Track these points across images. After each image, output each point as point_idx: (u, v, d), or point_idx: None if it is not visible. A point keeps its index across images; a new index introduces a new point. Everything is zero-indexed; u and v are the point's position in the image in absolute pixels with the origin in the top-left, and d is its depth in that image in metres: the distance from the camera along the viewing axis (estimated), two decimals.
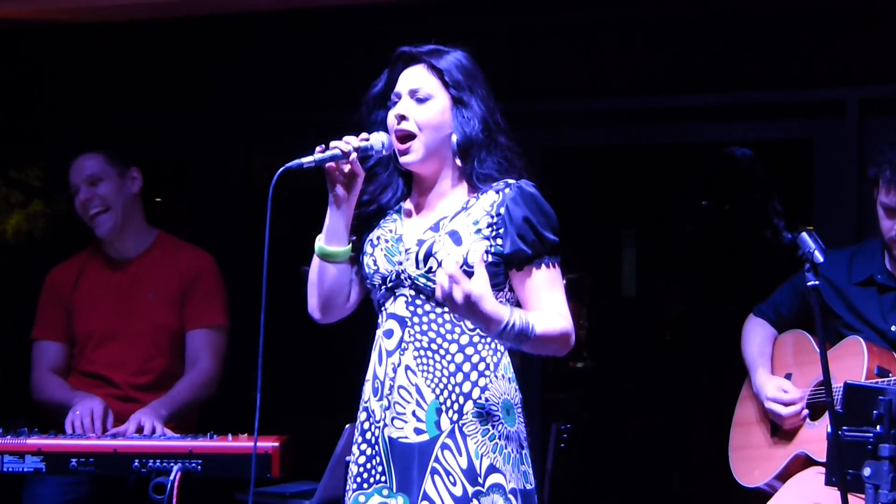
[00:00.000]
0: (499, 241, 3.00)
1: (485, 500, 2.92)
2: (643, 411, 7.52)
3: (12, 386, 4.34)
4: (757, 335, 4.10)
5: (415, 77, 3.08)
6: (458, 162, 3.06)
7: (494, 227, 3.00)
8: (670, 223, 8.33)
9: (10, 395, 4.35)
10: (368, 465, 3.03)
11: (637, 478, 7.13)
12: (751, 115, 5.12)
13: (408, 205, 3.15)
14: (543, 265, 3.00)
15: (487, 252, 2.98)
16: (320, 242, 3.08)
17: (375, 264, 3.08)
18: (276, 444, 3.64)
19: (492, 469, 2.95)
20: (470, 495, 2.92)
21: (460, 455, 2.94)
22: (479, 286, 2.78)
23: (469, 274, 2.83)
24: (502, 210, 3.00)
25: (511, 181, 3.03)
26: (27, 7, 5.07)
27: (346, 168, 3.02)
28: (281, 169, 2.96)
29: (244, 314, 4.61)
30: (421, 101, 3.06)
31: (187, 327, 4.44)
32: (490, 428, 2.97)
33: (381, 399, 3.02)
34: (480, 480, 2.93)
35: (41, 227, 6.29)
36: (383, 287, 3.07)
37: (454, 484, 2.93)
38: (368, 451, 3.04)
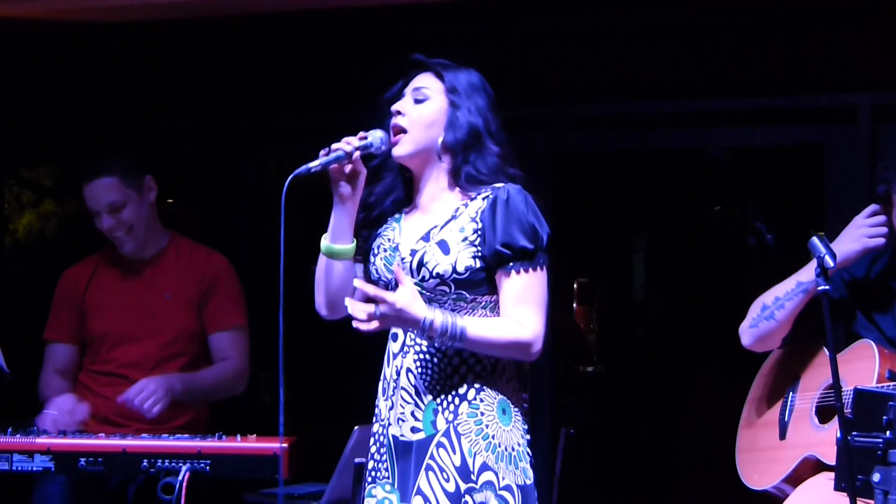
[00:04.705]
0: (482, 246, 3.10)
1: (477, 496, 3.04)
2: (652, 416, 7.52)
3: (24, 386, 4.34)
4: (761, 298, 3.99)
5: (421, 80, 3.24)
6: (443, 161, 3.18)
7: (478, 232, 3.10)
8: (681, 228, 8.33)
9: (21, 395, 4.35)
10: (379, 462, 3.16)
11: (646, 482, 7.13)
12: (763, 119, 5.12)
13: (407, 211, 3.26)
14: (513, 271, 3.08)
15: (475, 257, 3.10)
16: (326, 241, 3.20)
17: (378, 272, 3.21)
18: (284, 445, 3.64)
19: (484, 467, 3.05)
20: (462, 491, 3.04)
21: (454, 453, 3.06)
22: (404, 297, 2.98)
23: (458, 281, 3.07)
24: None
25: (499, 186, 3.13)
26: (39, 7, 5.09)
27: (349, 168, 3.14)
28: (290, 176, 3.06)
29: (256, 316, 4.62)
30: (418, 101, 3.20)
31: (210, 330, 4.44)
32: (484, 428, 3.08)
33: (386, 399, 3.16)
34: (473, 478, 3.04)
35: (53, 227, 6.31)
36: None
37: (447, 480, 3.04)
38: (381, 449, 3.16)
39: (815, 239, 3.13)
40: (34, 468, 3.73)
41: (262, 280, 5.40)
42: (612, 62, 5.26)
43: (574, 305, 8.76)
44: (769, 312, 3.84)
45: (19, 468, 3.74)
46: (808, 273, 3.71)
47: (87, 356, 4.47)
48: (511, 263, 3.07)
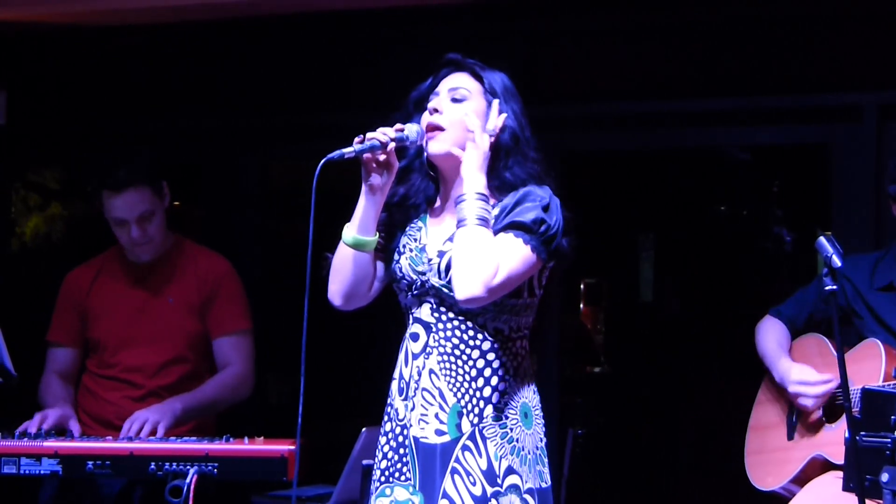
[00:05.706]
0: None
1: (503, 500, 3.04)
2: (659, 416, 7.52)
3: (30, 389, 4.34)
4: (772, 333, 4.07)
5: (457, 80, 3.20)
6: None
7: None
8: (688, 228, 8.33)
9: (27, 398, 4.36)
10: (398, 462, 3.12)
11: (653, 482, 7.13)
12: (769, 119, 5.11)
13: (432, 214, 3.24)
14: (503, 233, 3.04)
15: None
16: (351, 231, 3.16)
17: (402, 272, 3.18)
18: (292, 447, 3.64)
19: (509, 471, 3.06)
20: (489, 495, 3.03)
21: (480, 456, 3.05)
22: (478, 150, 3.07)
23: None
24: None
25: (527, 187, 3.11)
26: (46, 10, 5.10)
27: (382, 157, 3.10)
28: (324, 160, 3.03)
29: (260, 317, 4.62)
30: (456, 100, 3.16)
31: (213, 335, 4.41)
32: (508, 431, 3.08)
33: (405, 399, 3.13)
34: (499, 481, 3.05)
35: (59, 230, 6.31)
36: (410, 293, 3.18)
37: (474, 484, 3.04)
38: (400, 450, 3.12)
39: (822, 239, 3.12)
40: (42, 471, 3.73)
41: (265, 281, 5.40)
42: (617, 62, 5.26)
43: (581, 306, 8.77)
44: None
45: (27, 472, 3.74)
46: (779, 373, 3.97)
47: (90, 359, 4.45)
48: (507, 230, 3.04)
